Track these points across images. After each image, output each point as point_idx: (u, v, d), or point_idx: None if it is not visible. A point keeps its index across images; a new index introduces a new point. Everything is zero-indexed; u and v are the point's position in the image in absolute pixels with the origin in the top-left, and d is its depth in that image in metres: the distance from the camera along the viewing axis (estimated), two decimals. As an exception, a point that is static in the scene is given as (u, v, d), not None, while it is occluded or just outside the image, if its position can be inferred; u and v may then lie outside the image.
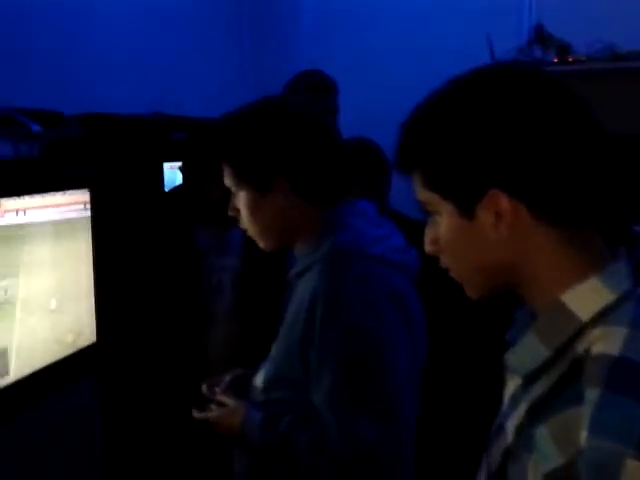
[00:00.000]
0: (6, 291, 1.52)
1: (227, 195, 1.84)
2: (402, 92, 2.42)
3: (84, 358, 1.78)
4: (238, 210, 1.32)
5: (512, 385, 0.81)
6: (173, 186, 2.40)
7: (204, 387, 1.41)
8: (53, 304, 1.68)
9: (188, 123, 2.63)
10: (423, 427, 1.24)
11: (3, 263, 1.51)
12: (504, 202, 0.73)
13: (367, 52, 2.92)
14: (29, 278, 1.58)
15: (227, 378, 1.42)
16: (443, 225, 0.79)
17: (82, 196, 1.73)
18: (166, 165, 2.58)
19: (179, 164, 2.56)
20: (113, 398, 2.09)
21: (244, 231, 1.92)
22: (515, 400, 0.78)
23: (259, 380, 1.34)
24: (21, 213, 1.54)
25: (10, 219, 1.51)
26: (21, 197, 1.51)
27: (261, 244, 1.33)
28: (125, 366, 2.05)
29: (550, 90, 0.74)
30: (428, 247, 0.82)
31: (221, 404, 1.36)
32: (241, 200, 1.30)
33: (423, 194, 0.80)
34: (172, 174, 2.59)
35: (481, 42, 2.72)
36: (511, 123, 0.72)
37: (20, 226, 1.55)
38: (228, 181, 1.31)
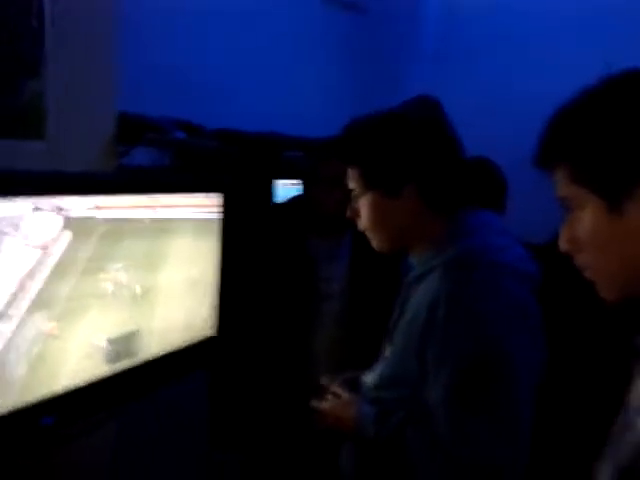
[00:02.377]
0: (155, 278, 1.68)
1: (342, 207, 1.95)
2: (517, 122, 2.51)
3: (203, 350, 1.90)
4: (358, 212, 1.34)
5: None
6: (290, 197, 2.53)
7: (324, 379, 1.48)
8: (187, 294, 1.83)
9: (300, 142, 2.78)
10: (536, 439, 1.25)
11: (154, 252, 1.67)
12: None
13: (480, 83, 2.98)
14: (172, 268, 1.73)
15: (349, 374, 1.48)
16: (586, 222, 0.78)
17: (217, 200, 1.88)
18: (280, 182, 2.74)
19: (291, 181, 2.74)
20: (223, 391, 2.21)
21: (352, 241, 2.07)
22: None
23: (371, 379, 1.39)
24: (171, 209, 1.71)
25: (163, 213, 1.67)
26: (170, 194, 1.67)
27: (376, 244, 1.35)
28: (238, 361, 2.17)
29: None
30: (565, 245, 0.81)
31: (336, 396, 1.42)
32: (365, 203, 1.31)
33: (568, 189, 0.79)
34: (285, 190, 2.75)
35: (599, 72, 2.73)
36: None
37: (170, 220, 1.71)
38: (354, 184, 1.33)
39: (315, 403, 1.44)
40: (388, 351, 1.37)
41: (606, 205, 0.76)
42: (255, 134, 2.64)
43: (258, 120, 2.65)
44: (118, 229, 1.55)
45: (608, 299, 0.82)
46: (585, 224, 0.79)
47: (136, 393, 1.72)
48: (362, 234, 1.41)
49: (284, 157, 2.85)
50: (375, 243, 1.37)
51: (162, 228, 1.68)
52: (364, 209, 1.33)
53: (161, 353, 1.75)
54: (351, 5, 3.79)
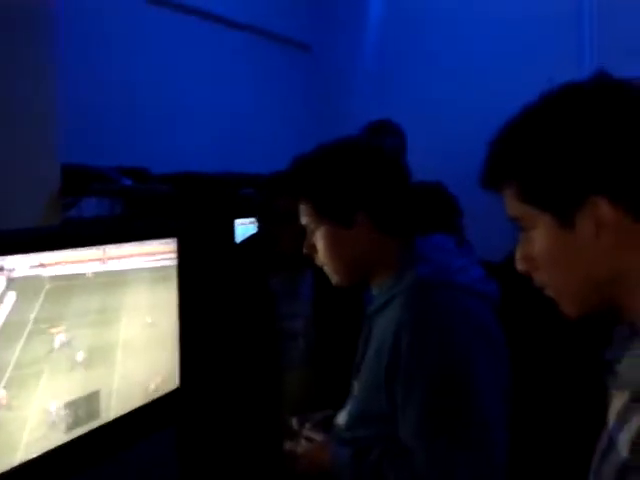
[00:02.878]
0: (110, 334, 1.61)
1: (298, 243, 1.92)
2: (465, 141, 2.55)
3: (168, 404, 1.83)
4: (314, 247, 1.33)
5: (618, 401, 0.79)
6: (248, 235, 2.49)
7: (294, 421, 1.44)
8: (147, 347, 1.76)
9: (255, 180, 2.75)
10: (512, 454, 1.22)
11: (107, 307, 1.60)
12: (605, 208, 0.72)
13: (426, 106, 3.01)
14: (128, 322, 1.66)
15: (319, 415, 1.45)
16: (539, 240, 0.78)
17: (173, 245, 1.83)
18: (238, 221, 2.70)
19: (250, 220, 2.70)
20: (193, 443, 2.13)
21: (313, 277, 2.04)
22: (625, 415, 0.77)
23: (342, 419, 1.35)
24: (122, 260, 1.64)
25: (114, 265, 1.61)
26: (121, 245, 1.61)
27: (336, 279, 1.33)
28: (205, 411, 2.10)
29: None
30: (520, 265, 0.81)
31: (308, 440, 1.38)
32: (320, 236, 1.30)
33: (517, 209, 0.79)
34: (244, 229, 2.71)
35: (542, 87, 2.78)
36: (609, 128, 0.72)
37: (122, 272, 1.64)
38: (306, 219, 1.32)
39: (289, 446, 1.40)
40: (356, 389, 1.34)
41: (557, 221, 0.76)
42: (207, 175, 2.60)
43: (207, 161, 2.63)
44: (66, 286, 1.48)
45: (570, 315, 0.81)
46: (538, 242, 0.78)
47: (100, 457, 1.64)
48: (322, 270, 1.38)
49: (240, 195, 2.82)
50: (334, 278, 1.35)
51: (114, 281, 1.61)
52: (319, 243, 1.32)
53: (124, 412, 1.67)
54: (297, 44, 3.83)
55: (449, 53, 3.57)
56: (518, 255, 0.81)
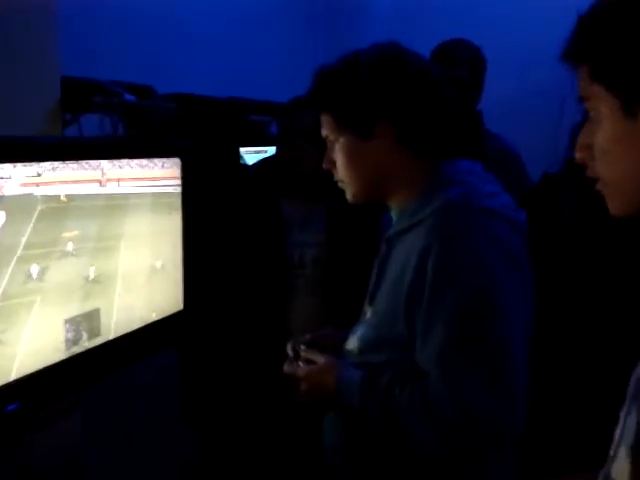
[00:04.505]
0: (111, 258, 1.56)
1: (318, 167, 1.85)
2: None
3: (171, 325, 1.80)
4: (334, 162, 1.27)
5: None
6: (259, 160, 2.43)
7: (289, 347, 1.37)
8: (149, 271, 1.72)
9: (264, 106, 2.66)
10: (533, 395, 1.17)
11: (109, 230, 1.54)
12: None
13: (447, 30, 2.86)
14: (129, 248, 1.61)
15: (308, 336, 1.39)
16: (601, 127, 0.74)
17: (176, 171, 1.75)
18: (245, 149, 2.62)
19: (257, 148, 2.63)
20: (195, 366, 2.12)
21: (329, 207, 1.98)
22: None
23: (353, 343, 1.29)
24: (122, 183, 1.57)
25: (112, 189, 1.54)
26: (121, 167, 1.53)
27: (351, 194, 1.27)
28: (209, 335, 2.08)
29: None
30: (578, 153, 0.78)
31: (309, 362, 1.31)
32: (339, 149, 1.25)
33: (587, 88, 0.75)
34: (250, 158, 2.64)
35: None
36: None
37: (123, 196, 1.57)
38: (326, 131, 1.27)
39: (288, 368, 1.33)
40: (369, 313, 1.29)
41: (621, 107, 0.71)
42: (215, 98, 2.50)
43: (215, 85, 2.52)
44: (61, 208, 1.40)
45: (616, 213, 0.77)
46: (600, 129, 0.74)
47: (102, 373, 1.63)
48: (338, 198, 1.33)
49: (249, 121, 2.73)
50: (349, 192, 1.28)
51: (114, 205, 1.54)
52: (339, 156, 1.26)
53: (126, 331, 1.63)
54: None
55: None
56: (579, 142, 0.78)
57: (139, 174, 1.64)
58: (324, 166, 1.31)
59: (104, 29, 2.25)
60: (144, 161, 1.62)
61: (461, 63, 2.23)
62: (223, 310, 2.05)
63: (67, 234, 1.42)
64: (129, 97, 1.79)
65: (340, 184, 1.29)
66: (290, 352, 1.35)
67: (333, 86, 1.23)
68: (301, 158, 1.95)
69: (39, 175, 1.33)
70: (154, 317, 1.75)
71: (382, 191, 1.27)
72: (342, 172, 1.27)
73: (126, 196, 1.59)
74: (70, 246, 1.43)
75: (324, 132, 1.28)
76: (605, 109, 0.73)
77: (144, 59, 2.38)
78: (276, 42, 3.36)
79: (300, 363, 1.31)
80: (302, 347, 1.33)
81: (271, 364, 1.53)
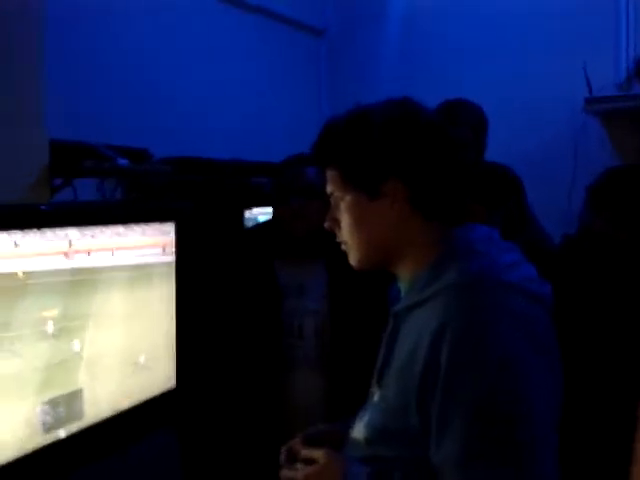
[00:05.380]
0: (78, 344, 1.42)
1: (312, 232, 1.75)
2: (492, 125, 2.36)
3: (163, 404, 1.67)
4: (337, 221, 1.16)
5: None
6: (257, 223, 2.34)
7: (283, 451, 1.22)
8: (132, 359, 1.58)
9: (268, 168, 2.59)
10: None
11: (73, 314, 1.40)
12: None
13: (451, 89, 2.83)
14: (100, 330, 1.47)
15: (300, 436, 1.24)
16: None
17: (161, 238, 1.63)
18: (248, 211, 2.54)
19: (260, 209, 2.54)
20: (193, 446, 1.97)
21: (327, 269, 1.87)
22: None
23: (360, 432, 1.14)
24: (93, 254, 1.43)
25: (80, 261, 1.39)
26: (93, 236, 1.41)
27: (355, 259, 1.15)
28: (205, 413, 1.93)
29: None
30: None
31: (307, 462, 1.15)
32: (344, 207, 1.14)
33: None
34: (252, 220, 2.55)
35: (578, 76, 2.62)
36: None
37: (93, 269, 1.43)
38: (331, 187, 1.17)
39: (285, 473, 1.18)
40: (377, 396, 1.14)
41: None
42: (215, 160, 2.43)
43: (215, 147, 2.45)
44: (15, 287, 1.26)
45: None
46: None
47: (86, 459, 1.49)
48: (339, 260, 1.21)
49: (252, 184, 2.65)
50: (353, 257, 1.16)
51: (82, 281, 1.40)
52: (344, 215, 1.15)
53: (111, 413, 1.50)
54: (311, 29, 3.65)
55: (476, 43, 3.36)
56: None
57: (114, 243, 1.49)
58: (326, 225, 1.20)
59: (99, 90, 2.19)
60: (120, 228, 1.49)
61: (464, 124, 2.14)
62: (219, 386, 1.91)
63: (24, 315, 1.28)
64: (122, 161, 1.71)
65: (343, 246, 1.18)
66: (284, 457, 1.20)
67: (341, 139, 1.14)
68: (299, 217, 1.86)
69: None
70: (144, 392, 1.61)
71: (389, 257, 1.15)
72: (346, 233, 1.16)
73: (97, 270, 1.45)
74: (39, 327, 1.30)
75: (329, 188, 1.18)
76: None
77: (141, 122, 2.31)
78: (279, 103, 3.32)
79: (299, 465, 1.16)
80: (299, 446, 1.19)
81: (269, 445, 1.39)
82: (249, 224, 2.51)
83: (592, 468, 1.62)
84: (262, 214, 2.53)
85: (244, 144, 2.80)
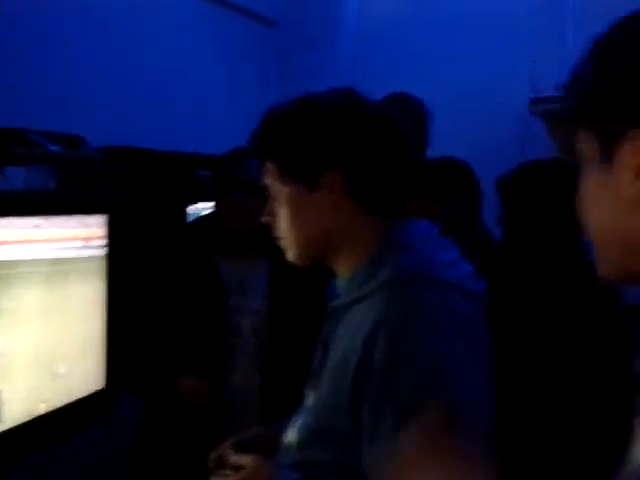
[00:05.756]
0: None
1: (254, 229, 1.69)
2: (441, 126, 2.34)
3: (90, 406, 1.59)
4: (275, 215, 1.12)
5: None
6: (197, 218, 2.27)
7: (212, 457, 1.18)
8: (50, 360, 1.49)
9: (212, 161, 2.52)
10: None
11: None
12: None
13: (401, 86, 2.81)
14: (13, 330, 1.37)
15: (234, 439, 1.21)
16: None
17: (85, 231, 1.55)
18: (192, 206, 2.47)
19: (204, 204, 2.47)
20: (130, 444, 1.90)
21: (270, 267, 1.82)
22: None
23: (292, 436, 1.10)
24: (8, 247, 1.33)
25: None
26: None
27: (292, 254, 1.12)
28: (141, 413, 1.87)
29: None
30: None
31: (235, 469, 1.11)
32: (282, 199, 1.10)
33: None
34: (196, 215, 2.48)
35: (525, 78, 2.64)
36: None
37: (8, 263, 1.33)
38: (269, 179, 1.13)
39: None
40: (311, 399, 1.11)
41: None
42: (159, 152, 2.35)
43: (157, 137, 2.36)
44: None
45: (606, 274, 0.67)
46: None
47: (11, 459, 1.42)
48: (281, 258, 1.16)
49: (195, 177, 2.58)
50: (291, 252, 1.12)
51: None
52: (282, 208, 1.11)
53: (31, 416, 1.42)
54: (262, 18, 3.58)
55: (428, 42, 3.35)
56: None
57: (29, 236, 1.39)
58: (264, 219, 1.15)
59: (31, 73, 2.08)
60: (38, 220, 1.40)
61: (405, 117, 2.09)
62: (156, 385, 1.84)
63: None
64: (53, 148, 1.61)
65: (281, 241, 1.14)
66: (212, 464, 1.17)
67: (280, 129, 1.10)
68: (242, 214, 1.81)
69: None
70: (70, 393, 1.52)
71: (327, 252, 1.11)
72: (283, 226, 1.11)
73: (12, 263, 1.35)
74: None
75: (267, 181, 1.14)
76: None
77: (77, 107, 2.20)
78: (227, 94, 3.24)
79: (227, 471, 1.12)
80: (229, 452, 1.15)
81: (204, 447, 1.34)
82: (192, 219, 2.45)
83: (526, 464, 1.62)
84: (206, 209, 2.46)
85: (188, 135, 2.72)
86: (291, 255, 1.13)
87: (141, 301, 1.84)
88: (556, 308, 1.66)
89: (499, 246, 1.94)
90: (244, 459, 1.11)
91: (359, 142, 1.06)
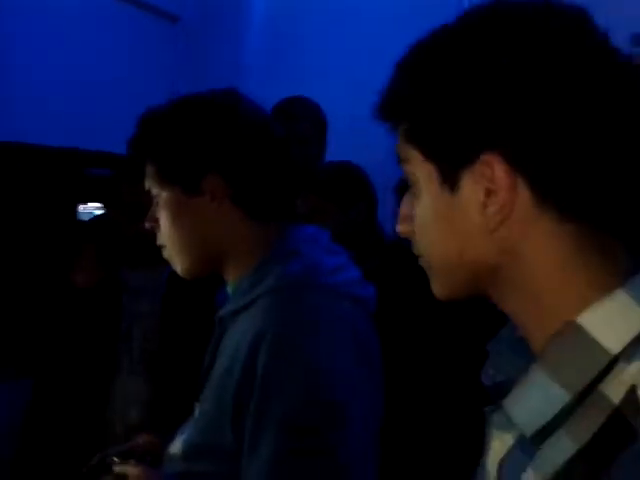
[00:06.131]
0: None
1: (144, 236, 1.64)
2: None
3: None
4: (157, 220, 1.08)
5: (500, 446, 0.61)
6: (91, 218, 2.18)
7: (96, 459, 1.14)
8: None
9: (109, 158, 2.42)
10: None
11: None
12: (500, 172, 0.54)
13: (310, 86, 2.78)
14: None
15: (122, 446, 1.18)
16: (420, 198, 0.62)
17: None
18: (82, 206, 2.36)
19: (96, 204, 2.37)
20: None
21: (166, 274, 1.77)
22: (512, 467, 0.58)
23: (177, 447, 1.07)
24: None
25: None
26: None
27: (179, 266, 1.08)
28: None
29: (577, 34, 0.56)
30: (399, 226, 0.66)
31: (118, 477, 1.08)
32: (162, 204, 1.06)
33: (402, 150, 0.63)
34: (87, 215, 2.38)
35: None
36: (524, 66, 0.54)
37: None
38: (149, 183, 1.09)
39: None
40: (197, 411, 1.08)
41: (439, 175, 0.59)
42: (45, 148, 2.22)
43: (47, 133, 2.23)
44: None
45: (440, 296, 0.65)
46: (419, 201, 0.62)
47: None
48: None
49: (87, 175, 2.46)
50: (178, 264, 1.08)
51: None
52: (163, 215, 1.07)
53: None
54: (165, 14, 3.48)
55: (337, 38, 3.33)
56: (401, 213, 0.66)
57: None
58: (147, 226, 1.11)
59: None
60: None
61: (302, 118, 2.09)
62: (36, 400, 1.76)
63: None
64: None
65: (164, 251, 1.10)
66: (89, 467, 1.13)
67: (157, 131, 1.07)
68: (128, 226, 1.75)
69: None
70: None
71: (213, 260, 1.08)
72: (165, 233, 1.07)
73: None
74: None
75: (147, 185, 1.09)
76: (422, 177, 0.61)
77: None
78: (128, 90, 3.12)
79: (108, 478, 1.08)
80: (114, 459, 1.10)
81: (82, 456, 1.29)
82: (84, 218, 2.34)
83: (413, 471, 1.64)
84: (99, 209, 2.36)
85: (84, 131, 2.60)
86: (179, 269, 1.09)
87: (27, 300, 1.76)
88: (439, 310, 1.69)
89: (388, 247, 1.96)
90: (130, 469, 1.07)
91: (241, 145, 1.04)
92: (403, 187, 1.94)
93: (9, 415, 1.81)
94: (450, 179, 0.57)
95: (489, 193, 0.55)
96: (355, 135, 2.33)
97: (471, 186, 0.56)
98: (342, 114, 2.32)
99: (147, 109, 1.09)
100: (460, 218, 0.58)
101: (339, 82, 3.10)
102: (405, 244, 0.69)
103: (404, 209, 0.65)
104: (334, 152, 2.24)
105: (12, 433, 1.82)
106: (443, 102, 0.57)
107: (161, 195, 1.06)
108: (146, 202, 1.64)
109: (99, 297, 1.79)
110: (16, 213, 1.67)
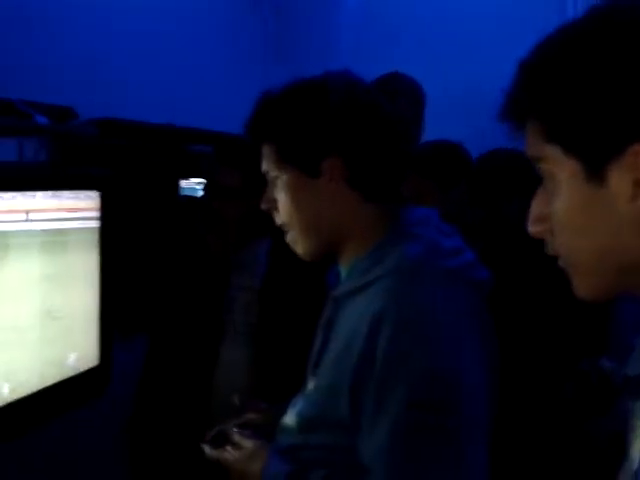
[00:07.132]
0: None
1: (244, 216, 1.67)
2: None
3: (84, 383, 1.56)
4: (274, 202, 1.10)
5: None
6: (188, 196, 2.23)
7: (215, 430, 1.19)
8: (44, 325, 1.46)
9: (208, 136, 2.47)
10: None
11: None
12: None
13: (401, 61, 2.73)
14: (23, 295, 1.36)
15: (245, 417, 1.23)
16: (559, 194, 0.60)
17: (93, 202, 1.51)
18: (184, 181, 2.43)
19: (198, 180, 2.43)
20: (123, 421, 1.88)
21: (269, 246, 1.80)
22: None
23: (292, 419, 1.10)
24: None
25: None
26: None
27: (300, 247, 1.10)
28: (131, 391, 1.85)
29: None
30: (532, 226, 0.64)
31: (236, 447, 1.13)
32: (282, 187, 1.07)
33: (538, 149, 0.61)
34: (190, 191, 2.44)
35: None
36: None
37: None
38: (267, 165, 1.10)
39: (209, 451, 1.15)
40: (312, 385, 1.10)
41: (584, 171, 0.58)
42: (150, 125, 2.29)
43: (150, 110, 2.29)
44: None
45: (583, 297, 0.63)
46: (557, 197, 0.61)
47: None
48: (281, 241, 1.14)
49: (189, 152, 2.53)
50: (300, 247, 1.10)
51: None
52: (281, 196, 1.08)
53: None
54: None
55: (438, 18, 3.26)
56: (532, 213, 0.65)
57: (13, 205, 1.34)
58: (263, 207, 1.13)
59: (18, 41, 2.00)
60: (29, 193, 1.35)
61: (401, 96, 2.02)
62: (150, 363, 1.83)
63: None
64: (41, 119, 1.56)
65: (287, 235, 1.11)
66: (209, 436, 1.18)
67: (280, 112, 1.07)
68: (224, 213, 1.77)
69: None
70: (62, 371, 1.49)
71: (332, 240, 1.08)
72: (284, 214, 1.09)
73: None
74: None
75: (264, 167, 1.11)
76: (563, 174, 0.60)
77: (67, 77, 2.13)
78: (220, 64, 3.16)
79: (228, 448, 1.13)
80: (234, 430, 1.15)
81: (193, 428, 1.36)
82: (187, 194, 2.41)
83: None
84: (200, 184, 2.42)
85: (181, 108, 2.65)
86: (300, 250, 1.10)
87: (138, 278, 1.83)
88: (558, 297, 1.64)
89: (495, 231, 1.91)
90: (248, 442, 1.11)
91: (360, 128, 1.04)
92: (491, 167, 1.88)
93: (130, 372, 1.90)
94: (597, 173, 0.57)
95: (638, 183, 0.55)
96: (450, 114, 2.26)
97: (619, 178, 0.56)
98: (435, 94, 2.24)
99: (264, 91, 1.10)
100: (607, 212, 0.57)
101: (432, 60, 3.03)
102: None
103: (536, 209, 0.64)
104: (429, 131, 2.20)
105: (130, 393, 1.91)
106: (587, 98, 0.57)
107: (280, 177, 1.07)
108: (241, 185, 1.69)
109: (222, 265, 1.83)
110: (126, 186, 1.73)
